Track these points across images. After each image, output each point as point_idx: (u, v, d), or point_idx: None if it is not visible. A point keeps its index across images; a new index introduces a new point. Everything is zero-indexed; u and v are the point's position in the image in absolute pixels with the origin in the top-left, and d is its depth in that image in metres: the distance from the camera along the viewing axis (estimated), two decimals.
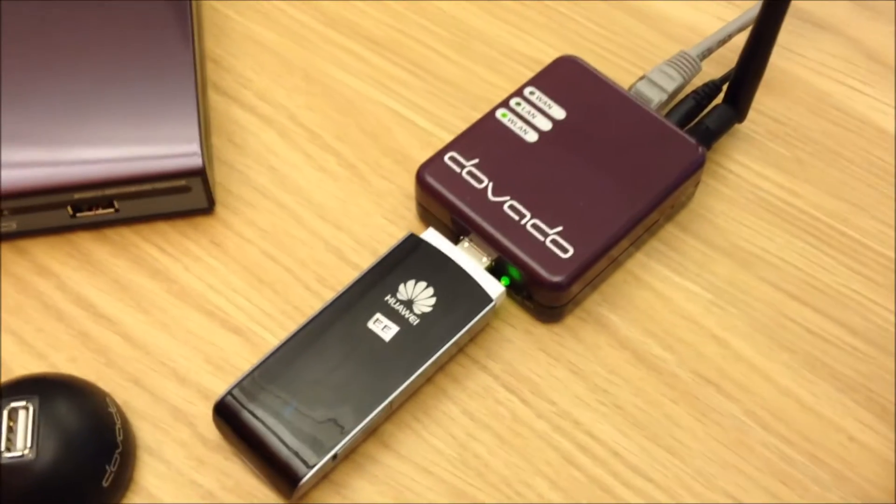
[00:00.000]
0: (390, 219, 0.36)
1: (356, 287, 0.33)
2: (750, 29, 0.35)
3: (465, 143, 0.35)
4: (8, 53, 0.35)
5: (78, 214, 0.34)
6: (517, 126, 0.35)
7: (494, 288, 0.33)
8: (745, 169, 0.38)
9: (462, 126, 0.36)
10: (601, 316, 0.35)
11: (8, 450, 0.28)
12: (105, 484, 0.29)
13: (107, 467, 0.29)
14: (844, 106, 0.40)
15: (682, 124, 0.37)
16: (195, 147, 0.34)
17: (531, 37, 0.41)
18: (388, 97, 0.39)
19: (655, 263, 0.36)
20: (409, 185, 0.36)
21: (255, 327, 0.34)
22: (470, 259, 0.34)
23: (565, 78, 0.37)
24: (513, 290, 0.34)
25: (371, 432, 0.32)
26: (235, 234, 0.36)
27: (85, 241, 0.35)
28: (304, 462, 0.30)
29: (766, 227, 0.37)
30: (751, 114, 0.39)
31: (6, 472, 0.28)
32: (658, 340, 0.34)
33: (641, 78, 0.38)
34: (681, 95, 0.38)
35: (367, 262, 0.34)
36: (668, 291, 0.35)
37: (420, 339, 0.32)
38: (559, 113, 0.36)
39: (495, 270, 0.34)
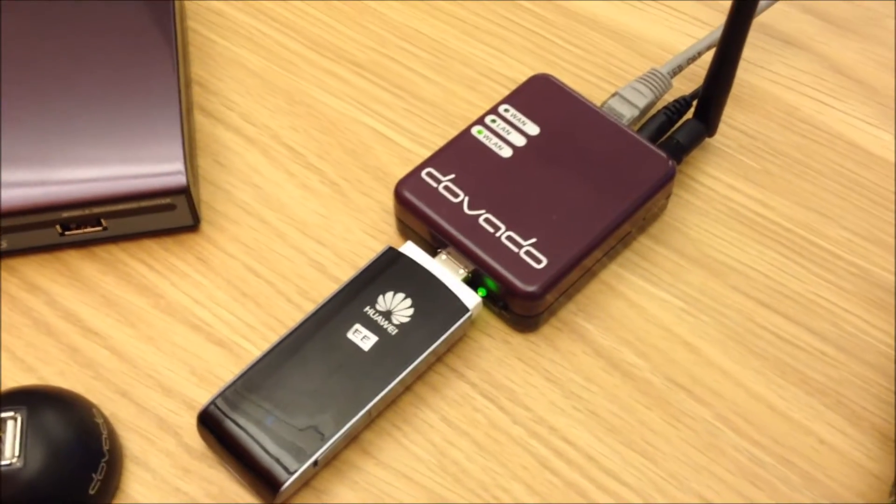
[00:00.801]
0: (370, 233, 0.37)
1: (336, 299, 0.34)
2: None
3: (441, 159, 0.36)
4: None
5: (66, 233, 0.35)
6: (492, 142, 0.36)
7: (471, 298, 0.34)
8: (716, 181, 0.39)
9: (441, 143, 0.37)
10: (576, 325, 0.36)
11: None
12: (92, 492, 0.30)
13: (93, 475, 0.30)
14: (814, 120, 0.41)
15: (653, 139, 0.38)
16: (179, 166, 0.35)
17: (509, 57, 0.43)
18: (368, 117, 0.41)
19: (629, 274, 0.37)
20: (389, 200, 0.37)
21: (239, 340, 0.35)
22: (447, 271, 0.35)
23: (539, 95, 0.38)
24: (489, 301, 0.35)
25: (351, 439, 0.33)
26: (220, 250, 0.37)
27: (74, 258, 0.36)
28: (285, 468, 0.31)
29: (738, 238, 0.38)
30: (722, 128, 0.40)
31: None
32: (632, 348, 0.35)
33: (613, 95, 0.39)
34: (652, 111, 0.39)
35: (347, 275, 0.35)
36: (641, 301, 0.36)
37: (398, 348, 0.33)
38: (533, 129, 0.37)
39: (472, 282, 0.35)
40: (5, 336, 0.34)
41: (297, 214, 0.38)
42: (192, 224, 0.37)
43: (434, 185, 0.35)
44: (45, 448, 0.29)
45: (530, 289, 0.33)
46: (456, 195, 0.35)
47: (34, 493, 0.29)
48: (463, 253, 0.34)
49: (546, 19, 0.44)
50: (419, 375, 0.34)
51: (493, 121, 0.37)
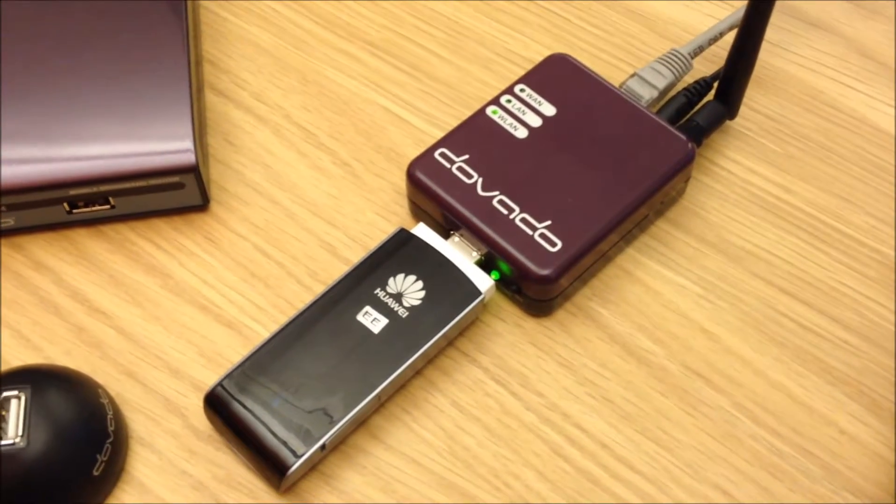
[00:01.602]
0: (382, 215, 0.37)
1: (346, 280, 0.33)
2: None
3: (455, 139, 0.35)
4: (4, 52, 0.35)
5: (74, 211, 0.35)
6: (507, 123, 0.36)
7: (484, 282, 0.33)
8: (736, 165, 0.38)
9: (455, 124, 0.37)
10: (591, 310, 0.35)
11: None
12: (96, 473, 0.30)
13: (98, 457, 0.30)
14: (838, 103, 0.40)
15: (672, 121, 0.37)
16: (188, 144, 0.34)
17: (525, 37, 0.42)
18: (382, 97, 0.40)
19: (646, 258, 0.36)
20: (402, 182, 0.37)
21: (248, 321, 0.34)
22: (460, 253, 0.34)
23: (556, 75, 0.37)
24: (503, 285, 0.34)
25: (360, 424, 0.32)
26: (229, 230, 0.36)
27: (81, 237, 0.36)
28: (293, 452, 0.30)
29: (758, 223, 0.37)
30: (744, 111, 0.39)
31: None
32: (648, 334, 0.34)
33: (632, 75, 0.38)
34: (672, 93, 0.38)
35: (358, 257, 0.34)
36: (658, 286, 0.35)
37: (409, 331, 0.32)
38: (549, 110, 0.36)
39: (485, 265, 0.34)
40: (12, 315, 0.34)
41: (308, 195, 0.37)
42: (202, 203, 0.36)
43: (447, 165, 0.35)
44: (48, 428, 0.29)
45: (544, 272, 0.33)
46: (469, 176, 0.34)
47: (37, 473, 0.29)
48: (476, 235, 0.33)
49: None
50: (430, 359, 0.33)
51: (509, 101, 0.36)
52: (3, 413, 0.29)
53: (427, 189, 0.34)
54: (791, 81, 0.41)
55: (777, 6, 0.34)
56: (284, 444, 0.30)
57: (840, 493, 0.32)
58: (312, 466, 0.31)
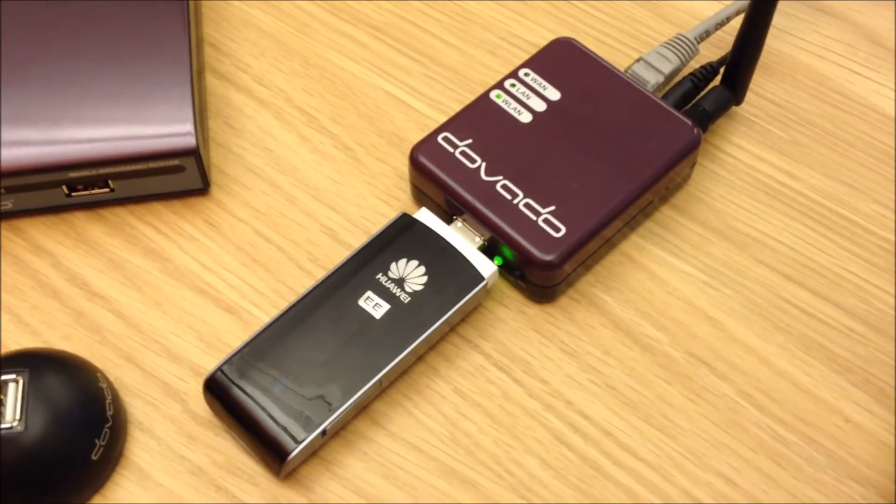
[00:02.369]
0: (384, 200, 0.36)
1: (347, 265, 0.33)
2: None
3: (458, 123, 0.35)
4: (5, 35, 0.35)
5: (73, 194, 0.35)
6: (511, 107, 0.35)
7: (487, 267, 0.33)
8: (742, 151, 0.38)
9: (459, 109, 0.36)
10: (595, 297, 0.34)
11: None
12: (94, 457, 0.29)
13: (96, 441, 0.29)
14: (845, 89, 0.40)
15: (678, 106, 0.37)
16: (189, 127, 0.34)
17: (530, 21, 0.41)
18: (385, 81, 0.39)
19: (650, 245, 0.36)
20: (404, 166, 0.36)
21: (248, 306, 0.34)
22: (462, 238, 0.33)
23: (560, 59, 0.36)
24: (506, 270, 0.34)
25: (361, 409, 0.32)
26: (230, 214, 0.36)
27: (80, 220, 0.35)
28: (293, 437, 0.30)
29: (763, 210, 0.37)
30: (750, 97, 0.38)
31: None
32: (652, 321, 0.34)
33: (638, 60, 0.37)
34: (678, 78, 0.38)
35: (360, 242, 0.34)
36: (662, 273, 0.35)
37: (411, 317, 0.32)
38: (554, 94, 0.35)
39: (488, 250, 0.34)
40: (11, 299, 0.34)
41: (309, 179, 0.37)
42: (202, 187, 0.36)
43: (450, 150, 0.34)
44: (46, 412, 0.29)
45: (548, 258, 0.32)
46: (473, 161, 0.34)
47: (35, 457, 0.28)
48: (479, 220, 0.33)
49: None
50: (432, 345, 0.33)
51: (513, 85, 0.36)
52: (1, 397, 0.28)
53: (430, 173, 0.34)
54: (798, 67, 0.40)
55: None
56: (284, 429, 0.30)
57: (844, 481, 0.31)
58: (313, 452, 0.31)
